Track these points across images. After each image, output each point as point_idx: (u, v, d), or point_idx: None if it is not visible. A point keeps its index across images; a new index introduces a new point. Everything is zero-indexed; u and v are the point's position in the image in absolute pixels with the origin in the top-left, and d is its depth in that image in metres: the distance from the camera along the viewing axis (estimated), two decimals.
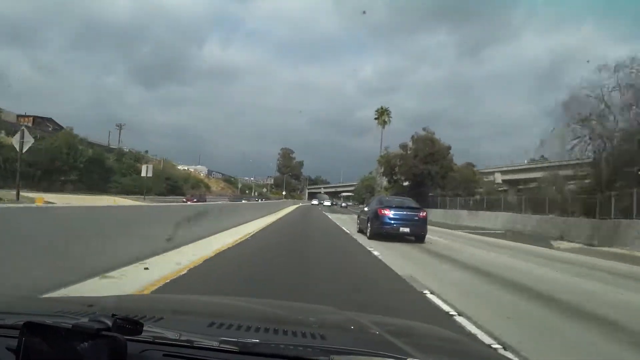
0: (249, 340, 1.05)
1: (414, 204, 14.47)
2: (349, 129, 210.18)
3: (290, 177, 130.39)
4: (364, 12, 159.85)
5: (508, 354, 3.15)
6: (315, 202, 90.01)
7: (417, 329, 1.89)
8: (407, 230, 12.44)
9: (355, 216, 19.02)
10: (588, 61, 75.66)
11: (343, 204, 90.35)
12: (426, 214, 13.17)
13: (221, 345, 0.99)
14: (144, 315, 1.21)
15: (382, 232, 12.50)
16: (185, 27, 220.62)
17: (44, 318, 1.01)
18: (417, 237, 12.82)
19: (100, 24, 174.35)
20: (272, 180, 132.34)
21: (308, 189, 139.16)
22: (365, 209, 15.36)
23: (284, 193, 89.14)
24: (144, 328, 0.93)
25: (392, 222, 12.46)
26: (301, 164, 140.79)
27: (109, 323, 0.87)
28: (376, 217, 12.79)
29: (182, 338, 1.02)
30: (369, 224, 13.27)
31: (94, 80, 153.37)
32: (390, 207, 12.84)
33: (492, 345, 3.48)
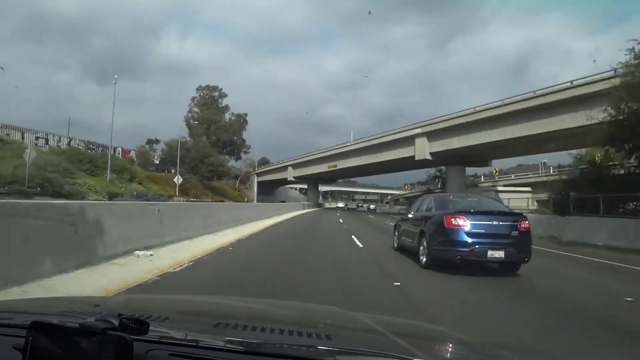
0: (254, 340, 1.06)
1: (503, 206, 9.15)
2: (314, 125, 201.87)
3: (215, 147, 63.71)
4: (369, 13, 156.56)
5: None
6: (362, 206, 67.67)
7: (421, 329, 1.89)
8: (500, 254, 7.09)
9: None
10: (594, 61, 75.60)
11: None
12: (529, 223, 7.75)
13: (227, 345, 0.99)
14: (150, 315, 1.21)
15: (454, 258, 7.25)
16: (141, 19, 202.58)
17: (51, 317, 1.02)
18: (513, 265, 7.56)
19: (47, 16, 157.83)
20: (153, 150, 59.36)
21: (259, 174, 72.92)
22: (410, 215, 9.69)
23: (178, 179, 38.40)
24: (150, 328, 0.93)
25: (473, 240, 7.14)
26: (242, 119, 73.11)
27: (116, 323, 0.87)
28: (441, 230, 7.49)
29: (188, 338, 1.03)
30: (424, 242, 7.96)
31: (43, 77, 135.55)
32: (467, 213, 7.40)
33: None
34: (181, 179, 39.79)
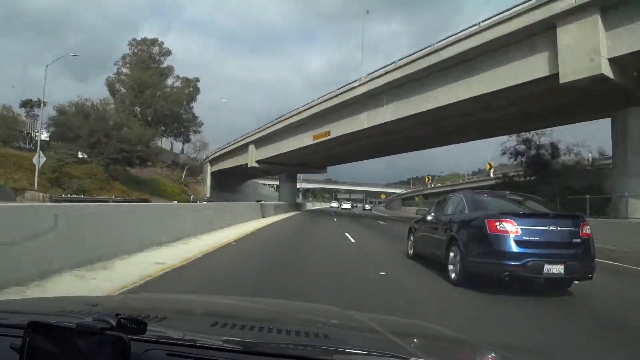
0: (252, 339, 1.06)
1: (556, 209, 7.06)
2: None
3: (154, 124, 47.69)
4: (367, 12, 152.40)
5: None
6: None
7: (419, 328, 1.89)
8: (559, 269, 5.50)
9: None
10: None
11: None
12: (590, 228, 6.12)
13: (225, 345, 0.99)
14: (148, 315, 1.21)
15: (500, 274, 5.60)
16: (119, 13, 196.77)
17: (48, 317, 1.02)
18: (570, 281, 6.08)
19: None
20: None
21: (212, 162, 50.67)
22: (429, 217, 8.25)
23: (38, 160, 23.18)
24: (148, 327, 0.93)
25: (525, 250, 5.58)
26: (192, 86, 54.20)
27: (113, 322, 0.87)
28: (481, 237, 5.98)
29: (186, 337, 1.03)
30: (456, 252, 6.40)
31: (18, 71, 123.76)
32: (516, 216, 5.87)
33: None
34: (44, 159, 24.17)
